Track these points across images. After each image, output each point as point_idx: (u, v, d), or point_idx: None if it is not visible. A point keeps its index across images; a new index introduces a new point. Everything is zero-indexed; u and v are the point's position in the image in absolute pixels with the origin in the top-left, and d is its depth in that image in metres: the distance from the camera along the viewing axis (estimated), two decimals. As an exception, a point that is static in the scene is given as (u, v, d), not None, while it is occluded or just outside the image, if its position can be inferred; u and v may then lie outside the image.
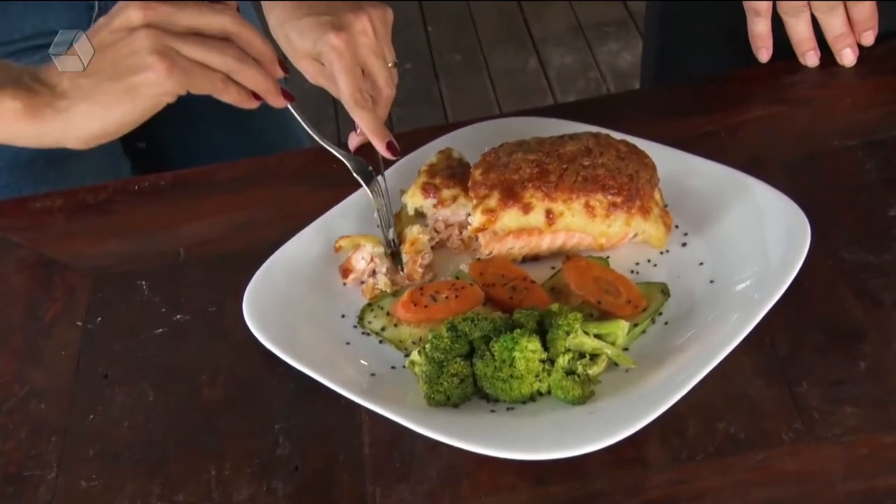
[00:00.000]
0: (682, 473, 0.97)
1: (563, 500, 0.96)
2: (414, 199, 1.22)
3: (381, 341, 1.12)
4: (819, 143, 1.27)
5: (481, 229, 1.16)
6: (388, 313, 1.14)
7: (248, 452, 1.04)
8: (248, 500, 1.01)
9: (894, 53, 1.38)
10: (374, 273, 1.18)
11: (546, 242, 1.17)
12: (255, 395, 1.10)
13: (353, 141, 1.29)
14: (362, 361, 1.10)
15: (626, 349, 1.06)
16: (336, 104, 1.22)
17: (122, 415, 1.10)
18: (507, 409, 1.03)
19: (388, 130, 1.23)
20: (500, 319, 1.06)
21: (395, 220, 1.24)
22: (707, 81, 1.43)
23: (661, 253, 1.17)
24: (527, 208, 1.15)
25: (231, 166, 1.41)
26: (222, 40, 1.17)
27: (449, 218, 1.22)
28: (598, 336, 1.05)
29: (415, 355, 1.05)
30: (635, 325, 1.08)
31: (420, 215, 1.23)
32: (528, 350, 1.01)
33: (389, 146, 1.22)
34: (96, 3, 1.52)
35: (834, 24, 1.35)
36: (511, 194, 1.15)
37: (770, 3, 1.37)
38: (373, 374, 1.08)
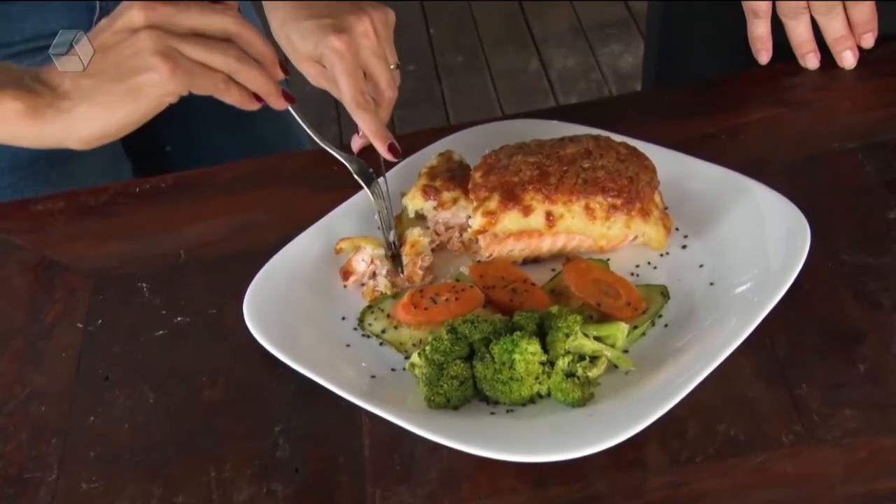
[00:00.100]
0: (681, 476, 0.97)
1: (562, 502, 0.97)
2: (414, 202, 1.23)
3: (381, 343, 1.12)
4: (819, 145, 1.28)
5: (481, 231, 1.17)
6: (388, 315, 1.14)
7: (249, 454, 1.05)
8: (247, 501, 1.01)
9: (894, 56, 1.38)
10: (374, 275, 1.18)
11: (546, 245, 1.17)
12: (255, 397, 1.10)
13: (356, 143, 1.29)
14: (362, 363, 1.10)
15: (625, 351, 1.06)
16: (338, 106, 1.22)
17: (122, 416, 1.10)
18: (507, 411, 1.03)
19: (389, 132, 1.23)
20: (499, 322, 1.06)
21: (396, 223, 1.24)
22: (707, 84, 1.43)
23: (661, 255, 1.18)
24: (527, 210, 1.15)
25: (232, 168, 1.42)
26: (224, 41, 1.18)
27: (449, 220, 1.22)
28: (597, 338, 1.05)
29: (415, 357, 1.05)
30: (635, 327, 1.08)
31: (420, 217, 1.23)
32: (528, 352, 1.01)
33: (391, 148, 1.22)
34: (97, 3, 1.52)
35: (833, 27, 1.35)
36: (511, 196, 1.15)
37: (769, 5, 1.37)
38: (373, 377, 1.08)
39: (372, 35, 1.23)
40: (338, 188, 1.26)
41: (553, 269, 1.17)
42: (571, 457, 0.96)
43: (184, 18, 1.16)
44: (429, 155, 1.28)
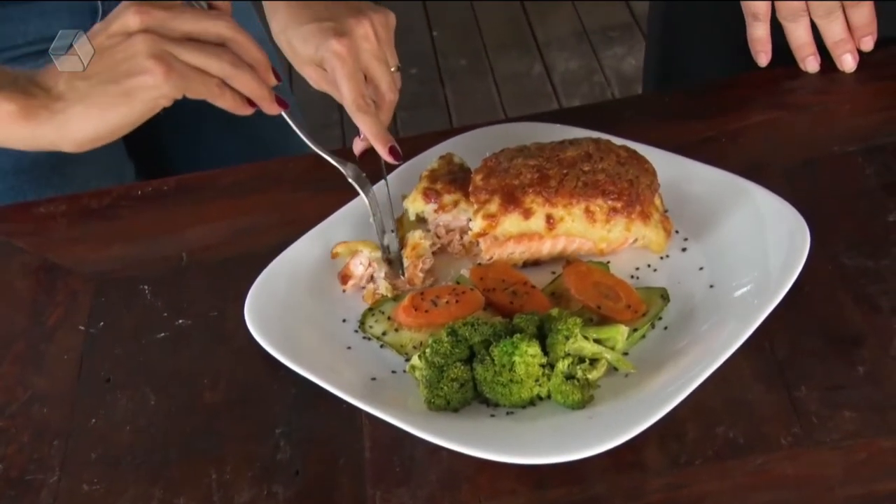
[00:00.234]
0: (681, 477, 0.97)
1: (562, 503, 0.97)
2: (415, 205, 1.23)
3: (381, 346, 1.12)
4: (819, 148, 1.28)
5: (482, 234, 1.17)
6: (388, 318, 1.14)
7: (249, 456, 1.05)
8: (248, 503, 1.01)
9: (893, 59, 1.39)
10: (372, 278, 1.18)
11: (546, 247, 1.17)
12: (256, 400, 1.10)
13: (357, 146, 1.29)
14: (363, 366, 1.10)
15: (625, 354, 1.06)
16: (341, 109, 1.22)
17: (123, 419, 1.11)
18: (507, 413, 1.03)
19: (390, 135, 1.23)
20: (500, 324, 1.06)
21: (397, 225, 1.24)
22: (707, 87, 1.44)
23: (662, 258, 1.18)
24: (527, 213, 1.15)
25: (233, 171, 1.42)
26: (218, 46, 1.18)
27: (450, 223, 1.22)
28: (597, 341, 1.05)
29: (415, 360, 1.06)
30: (635, 329, 1.08)
31: (421, 220, 1.24)
32: (528, 355, 1.02)
33: (392, 151, 1.22)
34: (99, 4, 1.53)
35: (833, 30, 1.36)
36: (512, 199, 1.16)
37: (769, 7, 1.37)
38: (373, 379, 1.08)
39: (372, 38, 1.23)
40: (338, 191, 1.26)
41: (553, 272, 1.18)
42: (571, 459, 0.96)
43: (178, 23, 1.17)
44: (430, 158, 1.28)
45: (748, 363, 1.04)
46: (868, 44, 1.37)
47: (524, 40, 4.15)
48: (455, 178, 1.23)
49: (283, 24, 1.28)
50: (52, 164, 1.50)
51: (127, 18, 1.16)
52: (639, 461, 0.98)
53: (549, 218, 1.15)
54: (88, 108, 1.17)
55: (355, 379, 1.08)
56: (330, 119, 3.68)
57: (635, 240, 1.17)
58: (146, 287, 1.25)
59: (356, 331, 1.14)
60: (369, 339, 1.13)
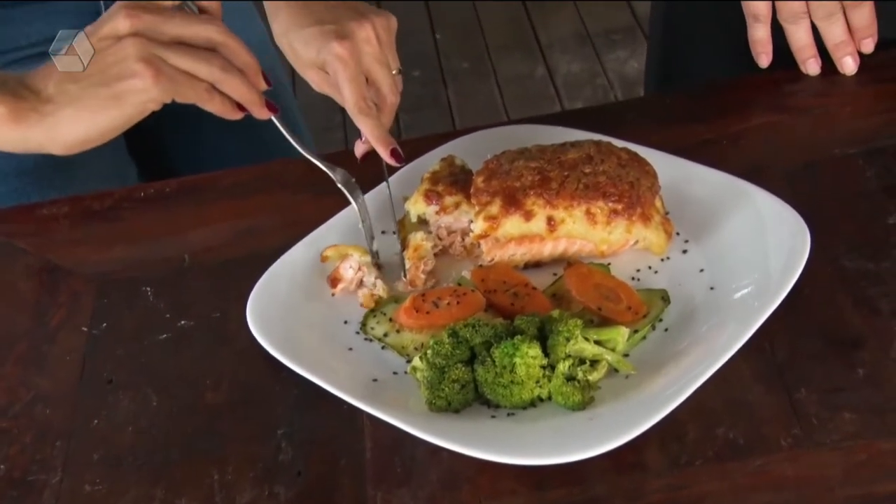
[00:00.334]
0: (681, 478, 0.97)
1: (562, 504, 0.97)
2: (417, 206, 1.23)
3: (383, 347, 1.12)
4: (819, 151, 1.28)
5: (483, 236, 1.17)
6: (390, 319, 1.15)
7: (251, 457, 1.05)
8: (250, 504, 1.02)
9: (894, 61, 1.39)
10: (361, 282, 1.18)
11: (547, 249, 1.18)
12: (258, 401, 1.11)
13: (359, 149, 1.29)
14: (364, 367, 1.10)
15: (626, 355, 1.07)
16: (343, 112, 1.22)
17: (126, 419, 1.11)
18: (508, 414, 1.03)
19: (392, 138, 1.23)
20: (501, 325, 1.06)
21: (399, 227, 1.24)
22: (708, 90, 1.44)
23: (662, 260, 1.18)
24: (528, 215, 1.16)
25: (235, 173, 1.42)
26: (208, 51, 1.19)
27: (451, 225, 1.22)
28: (598, 342, 1.05)
29: (416, 361, 1.06)
30: (635, 331, 1.08)
31: (423, 222, 1.24)
32: (529, 356, 1.02)
33: (393, 153, 1.23)
34: (102, 4, 1.53)
35: (834, 32, 1.36)
36: (513, 201, 1.16)
37: (769, 8, 1.37)
38: (375, 380, 1.09)
39: (374, 41, 1.24)
40: (339, 193, 1.26)
41: (554, 274, 1.18)
42: (572, 460, 0.96)
43: (169, 27, 1.17)
44: (431, 160, 1.29)
45: (748, 365, 1.04)
46: (868, 46, 1.37)
47: (527, 43, 4.15)
48: (456, 180, 1.24)
49: (285, 27, 1.28)
50: (55, 165, 1.50)
51: (117, 22, 1.17)
52: (639, 462, 0.99)
53: (550, 220, 1.16)
54: (78, 111, 1.17)
55: (357, 380, 1.08)
56: (332, 122, 3.68)
57: (636, 242, 1.18)
58: (148, 288, 1.25)
59: (357, 332, 1.15)
60: (371, 340, 1.13)
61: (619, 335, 1.06)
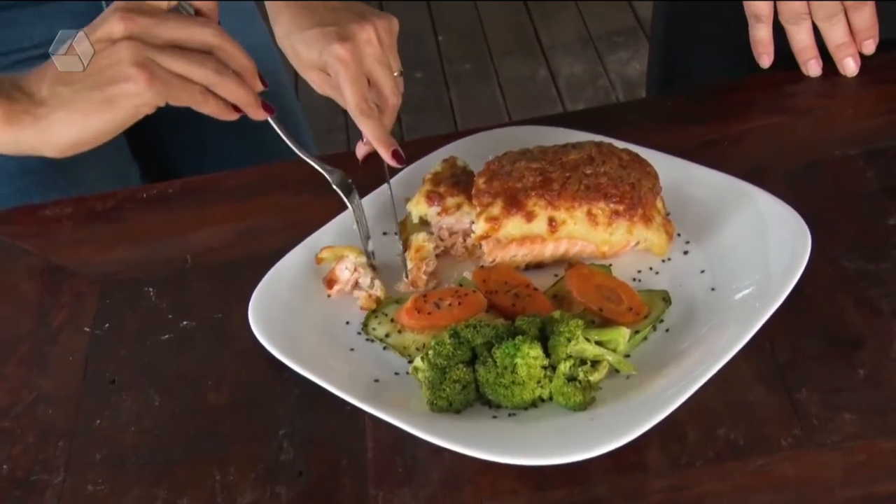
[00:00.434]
0: (682, 479, 0.97)
1: (563, 505, 0.97)
2: (418, 207, 1.23)
3: (384, 348, 1.13)
4: (820, 152, 1.28)
5: (485, 237, 1.17)
6: (392, 320, 1.15)
7: (253, 457, 1.05)
8: (252, 504, 1.02)
9: (895, 62, 1.39)
10: (357, 284, 1.19)
11: (549, 250, 1.18)
12: (259, 401, 1.11)
13: (360, 150, 1.30)
14: (366, 367, 1.10)
15: (627, 356, 1.07)
16: (346, 114, 1.22)
17: (128, 420, 1.11)
18: (509, 414, 1.03)
19: (393, 139, 1.23)
20: (502, 326, 1.07)
21: (401, 228, 1.25)
22: (709, 91, 1.44)
23: (663, 261, 1.18)
24: (530, 216, 1.16)
25: (237, 174, 1.43)
26: (203, 53, 1.18)
27: (453, 226, 1.23)
28: (599, 343, 1.05)
29: (418, 361, 1.06)
30: (636, 332, 1.09)
31: (424, 223, 1.24)
32: (530, 356, 1.02)
33: (395, 154, 1.23)
34: (104, 4, 1.53)
35: (835, 33, 1.36)
36: (514, 202, 1.16)
37: (771, 9, 1.37)
38: (376, 380, 1.09)
39: (375, 43, 1.24)
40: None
41: (555, 275, 1.18)
42: (573, 460, 0.96)
43: (163, 30, 1.17)
44: (433, 161, 1.29)
45: (749, 365, 1.05)
46: (870, 47, 1.37)
47: (529, 45, 4.15)
48: (458, 182, 1.24)
49: (287, 29, 1.29)
50: (57, 166, 1.50)
51: (111, 24, 1.16)
52: (640, 462, 0.99)
53: (551, 221, 1.16)
54: (71, 114, 1.17)
55: (358, 380, 1.08)
56: (335, 124, 3.68)
57: (637, 243, 1.18)
58: (151, 289, 1.25)
59: (359, 333, 1.15)
60: (372, 340, 1.14)
61: (620, 336, 1.06)
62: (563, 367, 1.03)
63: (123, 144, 1.63)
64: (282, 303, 1.17)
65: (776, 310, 1.06)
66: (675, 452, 0.99)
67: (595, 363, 1.04)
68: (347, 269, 1.19)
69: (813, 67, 1.39)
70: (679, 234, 1.20)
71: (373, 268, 1.21)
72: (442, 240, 1.23)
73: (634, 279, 1.17)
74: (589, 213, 1.16)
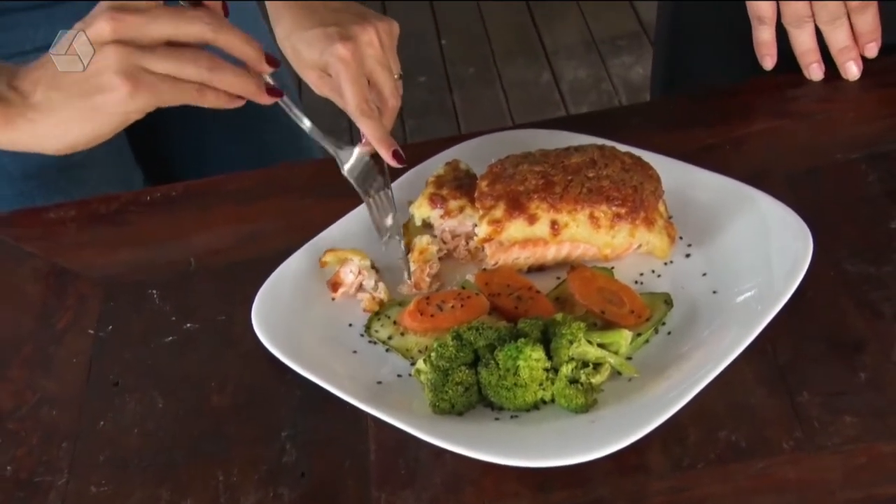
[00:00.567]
0: (683, 481, 0.97)
1: (565, 506, 0.98)
2: (421, 210, 1.24)
3: (387, 350, 1.13)
4: (822, 155, 1.28)
5: (487, 240, 1.18)
6: (394, 322, 1.15)
7: (256, 459, 1.06)
8: (254, 505, 1.02)
9: (897, 66, 1.39)
10: (361, 286, 1.19)
11: (551, 253, 1.18)
12: (262, 403, 1.11)
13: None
14: (369, 369, 1.11)
15: (629, 358, 1.07)
16: (350, 118, 1.22)
17: (132, 421, 1.12)
18: (511, 416, 1.04)
19: (393, 139, 1.23)
20: (504, 328, 1.07)
21: (403, 231, 1.25)
22: (711, 95, 1.44)
23: (665, 264, 1.18)
24: (532, 219, 1.16)
25: (240, 177, 1.43)
26: (195, 49, 1.15)
27: (456, 228, 1.23)
28: (601, 345, 1.06)
29: (420, 364, 1.06)
30: (638, 334, 1.09)
31: (427, 226, 1.24)
32: (532, 359, 1.02)
33: (395, 155, 1.22)
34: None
35: (837, 37, 1.36)
36: (517, 205, 1.16)
37: (774, 11, 1.37)
38: (379, 382, 1.09)
39: (377, 44, 1.24)
40: (343, 197, 1.27)
41: (558, 277, 1.18)
42: (574, 462, 0.97)
43: (153, 28, 1.13)
44: (436, 164, 1.29)
45: (751, 368, 1.05)
46: (872, 50, 1.37)
47: (532, 48, 4.16)
48: (461, 184, 1.24)
49: (288, 29, 1.29)
50: (60, 168, 1.50)
51: (100, 26, 1.13)
52: (642, 464, 0.99)
53: (553, 224, 1.16)
54: (61, 120, 1.17)
55: (361, 382, 1.09)
56: (338, 126, 3.68)
57: (639, 245, 1.18)
58: (154, 291, 1.26)
59: (362, 335, 1.15)
60: (375, 343, 1.14)
61: (622, 338, 1.06)
62: (565, 370, 1.03)
63: (125, 147, 1.64)
64: (285, 305, 1.17)
65: (778, 313, 1.06)
66: (677, 454, 0.99)
67: (597, 365, 1.04)
68: (352, 272, 1.19)
69: (815, 71, 1.39)
70: (681, 237, 1.20)
71: (377, 270, 1.20)
72: (445, 242, 1.23)
73: (636, 282, 1.17)
74: (591, 216, 1.16)
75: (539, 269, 1.20)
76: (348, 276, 1.19)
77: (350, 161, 1.25)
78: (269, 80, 1.21)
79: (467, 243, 1.22)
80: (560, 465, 0.97)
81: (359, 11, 1.27)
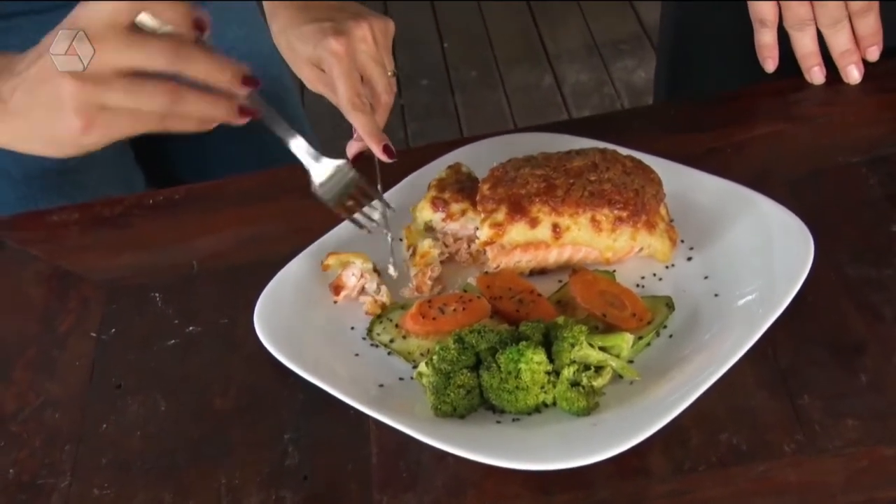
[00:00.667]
0: (684, 484, 0.98)
1: (566, 509, 0.98)
2: (423, 213, 1.24)
3: (389, 353, 1.13)
4: (823, 159, 1.29)
5: (489, 243, 1.18)
6: (396, 325, 1.15)
7: (258, 462, 1.06)
8: (257, 508, 1.02)
9: (898, 70, 1.39)
10: (363, 290, 1.19)
11: (553, 256, 1.18)
12: (265, 406, 1.11)
13: (352, 147, 1.28)
14: (371, 373, 1.11)
15: (630, 361, 1.07)
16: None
17: (134, 424, 1.12)
18: (513, 420, 1.04)
19: (384, 134, 1.23)
20: (506, 332, 1.07)
21: (405, 234, 1.25)
22: (713, 98, 1.45)
23: (667, 267, 1.19)
24: (534, 222, 1.16)
25: (242, 179, 1.43)
26: (158, 80, 1.07)
27: (457, 232, 1.23)
28: (603, 348, 1.06)
29: (422, 367, 1.07)
30: (640, 337, 1.09)
31: (429, 229, 1.25)
32: (534, 362, 1.03)
33: (386, 149, 1.22)
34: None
35: (839, 40, 1.36)
36: (518, 209, 1.17)
37: (776, 14, 1.38)
38: (381, 386, 1.09)
39: (370, 41, 1.24)
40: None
41: (559, 281, 1.19)
42: (576, 465, 0.97)
43: (110, 61, 1.05)
44: (438, 167, 1.29)
45: (752, 371, 1.05)
46: (874, 53, 1.37)
47: (535, 52, 4.16)
48: (463, 188, 1.24)
49: (284, 25, 1.29)
50: (61, 171, 1.50)
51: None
52: (643, 467, 0.99)
53: (555, 227, 1.16)
54: (27, 144, 1.13)
55: (363, 385, 1.09)
56: (340, 131, 3.68)
57: (641, 249, 1.18)
58: (157, 294, 1.26)
59: (364, 338, 1.15)
60: (377, 346, 1.14)
61: (624, 341, 1.06)
62: (567, 373, 1.03)
63: (127, 150, 1.64)
64: (287, 308, 1.17)
65: (779, 316, 1.06)
66: (678, 457, 0.99)
67: (598, 369, 1.05)
68: (354, 275, 1.19)
69: (816, 74, 1.39)
70: (682, 241, 1.20)
71: (379, 273, 1.20)
72: (446, 246, 1.23)
73: (638, 285, 1.17)
74: (593, 220, 1.16)
75: (541, 272, 1.20)
76: (350, 279, 1.19)
77: (324, 176, 1.23)
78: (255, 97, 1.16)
79: (469, 246, 1.23)
80: (562, 468, 0.97)
81: (355, 9, 1.28)
